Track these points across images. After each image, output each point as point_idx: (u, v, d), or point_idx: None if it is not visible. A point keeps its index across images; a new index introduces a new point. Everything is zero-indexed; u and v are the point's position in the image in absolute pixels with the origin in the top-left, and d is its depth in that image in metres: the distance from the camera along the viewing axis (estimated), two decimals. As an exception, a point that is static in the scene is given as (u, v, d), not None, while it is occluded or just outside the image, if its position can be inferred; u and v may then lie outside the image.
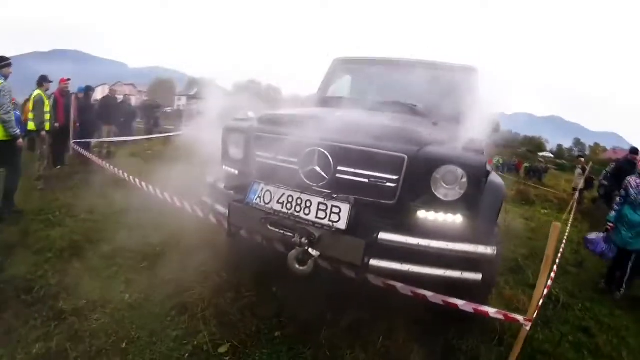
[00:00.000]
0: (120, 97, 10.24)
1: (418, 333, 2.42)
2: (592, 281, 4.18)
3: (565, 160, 55.40)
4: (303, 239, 1.79)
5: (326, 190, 1.96)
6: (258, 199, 2.04)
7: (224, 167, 2.53)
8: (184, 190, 3.42)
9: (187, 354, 2.06)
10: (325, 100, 3.36)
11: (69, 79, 6.58)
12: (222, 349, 2.09)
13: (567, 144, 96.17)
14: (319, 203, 1.89)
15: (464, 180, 1.80)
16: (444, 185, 1.84)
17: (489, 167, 2.22)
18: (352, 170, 1.98)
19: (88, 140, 6.68)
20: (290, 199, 1.96)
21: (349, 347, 2.21)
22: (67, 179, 5.81)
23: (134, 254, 3.19)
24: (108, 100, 8.47)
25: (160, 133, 11.94)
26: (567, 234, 4.81)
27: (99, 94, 10.29)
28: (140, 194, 4.53)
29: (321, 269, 2.09)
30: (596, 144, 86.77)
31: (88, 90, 7.18)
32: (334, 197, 1.89)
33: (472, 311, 2.03)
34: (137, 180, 3.58)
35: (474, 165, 1.83)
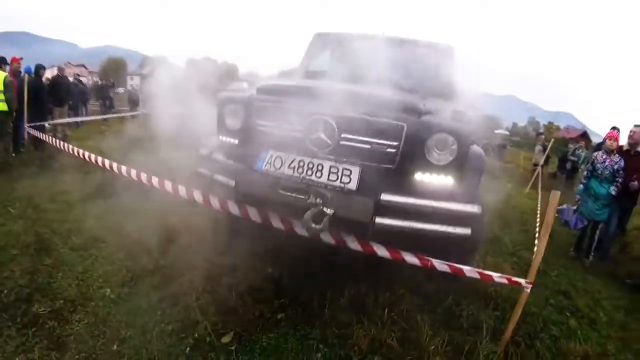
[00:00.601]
0: (70, 78, 9.42)
1: (419, 302, 2.47)
2: (563, 250, 4.46)
3: (520, 137, 58.09)
4: (317, 199, 1.88)
5: (330, 156, 2.06)
6: (268, 165, 2.08)
7: (220, 137, 2.48)
8: (157, 169, 3.15)
9: (188, 348, 1.92)
10: (314, 74, 3.34)
11: (21, 58, 6.12)
12: (225, 339, 1.98)
13: (522, 122, 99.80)
14: (330, 166, 2.01)
15: (454, 147, 1.99)
16: (437, 151, 2.02)
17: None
18: (355, 137, 2.06)
19: (42, 123, 6.05)
20: (301, 164, 2.03)
21: (357, 322, 2.17)
22: (23, 166, 5.25)
23: (108, 244, 2.93)
24: (59, 80, 7.70)
25: (116, 114, 11.22)
26: (539, 206, 5.05)
27: (49, 76, 9.39)
28: (106, 178, 4.18)
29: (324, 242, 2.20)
30: (550, 123, 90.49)
31: (39, 69, 6.44)
32: (345, 161, 2.02)
33: (478, 276, 2.13)
34: (106, 162, 3.19)
35: (462, 134, 2.01)
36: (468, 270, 2.13)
